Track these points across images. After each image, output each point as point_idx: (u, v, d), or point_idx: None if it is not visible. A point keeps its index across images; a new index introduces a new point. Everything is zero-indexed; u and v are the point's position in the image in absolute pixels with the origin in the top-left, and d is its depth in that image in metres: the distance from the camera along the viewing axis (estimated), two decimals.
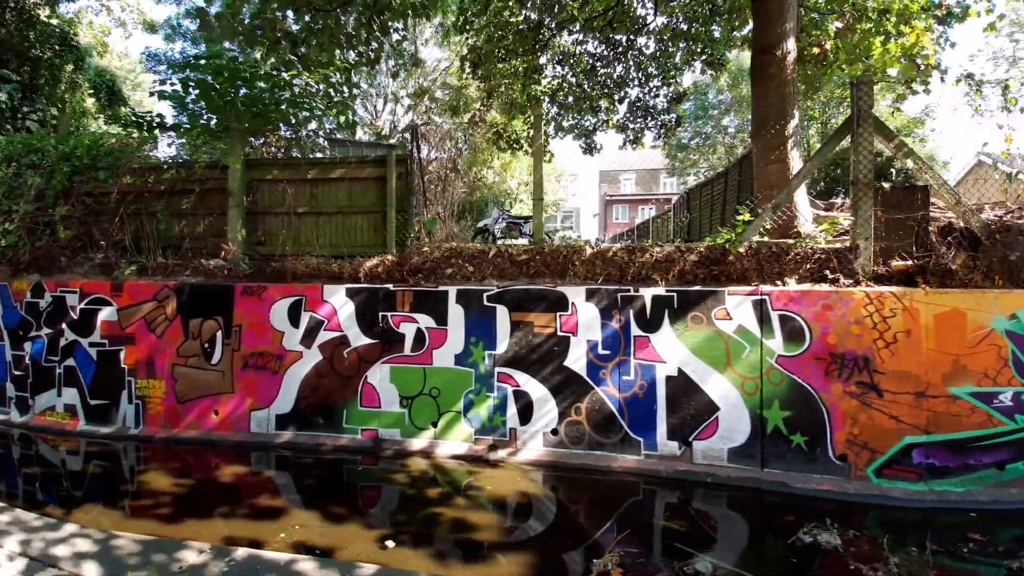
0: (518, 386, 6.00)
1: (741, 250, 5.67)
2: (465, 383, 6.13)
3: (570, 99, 12.34)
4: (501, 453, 5.92)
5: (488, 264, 6.21)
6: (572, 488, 5.36)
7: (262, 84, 6.67)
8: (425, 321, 6.26)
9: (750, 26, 10.03)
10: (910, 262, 5.42)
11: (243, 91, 6.67)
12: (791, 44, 7.32)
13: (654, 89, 12.27)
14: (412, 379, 6.24)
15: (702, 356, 5.56)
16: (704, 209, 10.90)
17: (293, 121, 7.22)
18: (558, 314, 5.94)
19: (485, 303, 6.13)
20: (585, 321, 5.87)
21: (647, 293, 5.76)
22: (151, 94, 7.47)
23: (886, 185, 5.53)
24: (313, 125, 7.30)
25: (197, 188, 7.01)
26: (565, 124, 12.77)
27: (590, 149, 12.82)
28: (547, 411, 5.91)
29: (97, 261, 6.98)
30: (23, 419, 7.07)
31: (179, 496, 5.03)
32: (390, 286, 6.39)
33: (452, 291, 6.24)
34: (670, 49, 11.72)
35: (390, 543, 4.06)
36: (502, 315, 6.08)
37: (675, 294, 5.71)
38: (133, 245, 6.94)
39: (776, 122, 7.15)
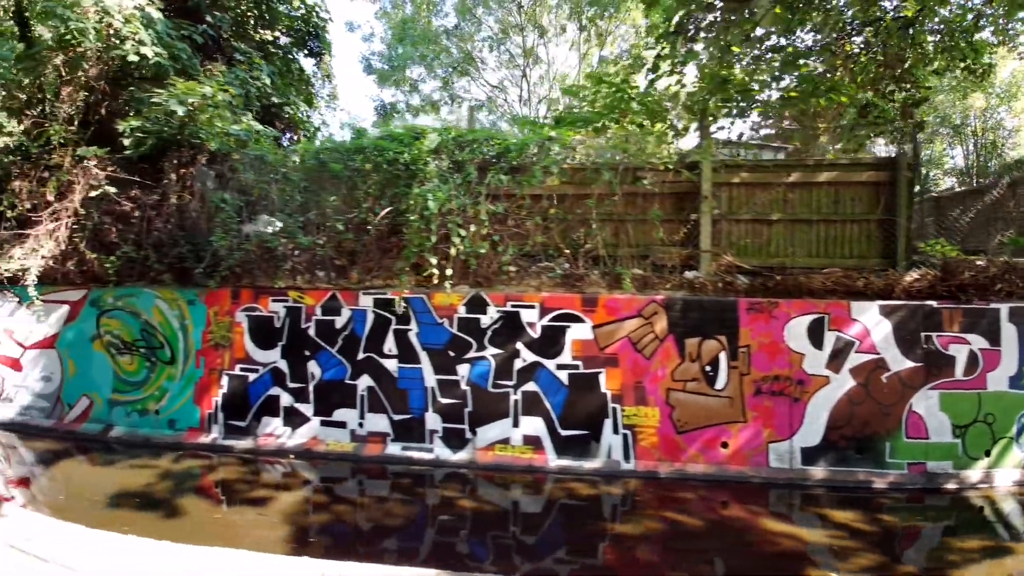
0: None
1: None
2: (1018, 407, 5.61)
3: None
4: None
5: None
6: None
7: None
8: (977, 342, 5.68)
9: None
10: None
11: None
12: None
13: (887, 93, 11.97)
14: (965, 406, 5.64)
15: None
16: None
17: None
18: None
19: None
20: None
21: None
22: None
23: None
24: None
25: (658, 191, 6.23)
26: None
27: None
28: None
29: (559, 271, 6.06)
30: (458, 456, 6.05)
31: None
32: (934, 303, 5.77)
33: (1004, 308, 5.69)
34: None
35: None
36: None
37: None
38: (608, 256, 6.06)
39: None
